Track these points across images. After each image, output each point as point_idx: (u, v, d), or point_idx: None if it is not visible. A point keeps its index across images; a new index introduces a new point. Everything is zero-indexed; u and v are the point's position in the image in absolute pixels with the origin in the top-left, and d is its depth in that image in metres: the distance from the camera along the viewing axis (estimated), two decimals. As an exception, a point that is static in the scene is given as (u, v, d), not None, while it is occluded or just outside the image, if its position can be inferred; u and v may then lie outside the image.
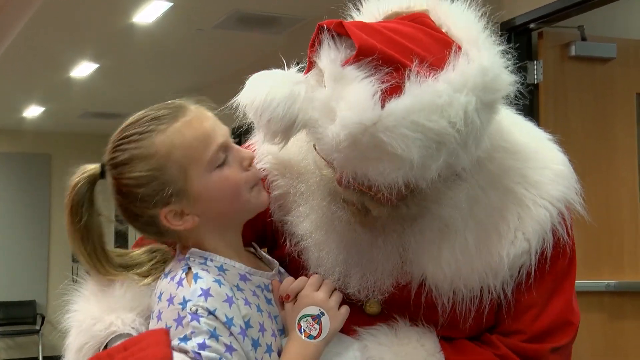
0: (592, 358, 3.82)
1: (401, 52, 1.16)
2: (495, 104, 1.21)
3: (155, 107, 1.32)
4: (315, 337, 1.28)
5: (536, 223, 1.35)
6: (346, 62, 1.17)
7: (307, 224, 1.41)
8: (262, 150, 1.48)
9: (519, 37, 3.79)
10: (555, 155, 1.43)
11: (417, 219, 1.33)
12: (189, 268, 1.27)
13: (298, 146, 1.42)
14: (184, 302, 1.21)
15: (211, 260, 1.29)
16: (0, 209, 9.86)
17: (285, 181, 1.45)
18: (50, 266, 9.88)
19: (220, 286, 1.23)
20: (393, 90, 1.13)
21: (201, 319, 1.19)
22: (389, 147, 1.12)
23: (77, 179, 1.33)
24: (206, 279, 1.23)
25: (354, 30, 1.18)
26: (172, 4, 4.91)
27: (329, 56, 1.19)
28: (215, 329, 1.18)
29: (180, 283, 1.24)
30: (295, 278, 1.42)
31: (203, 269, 1.26)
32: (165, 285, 1.28)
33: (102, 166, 1.33)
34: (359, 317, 1.40)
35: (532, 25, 3.75)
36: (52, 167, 9.99)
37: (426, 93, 1.13)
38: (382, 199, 1.26)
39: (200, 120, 1.29)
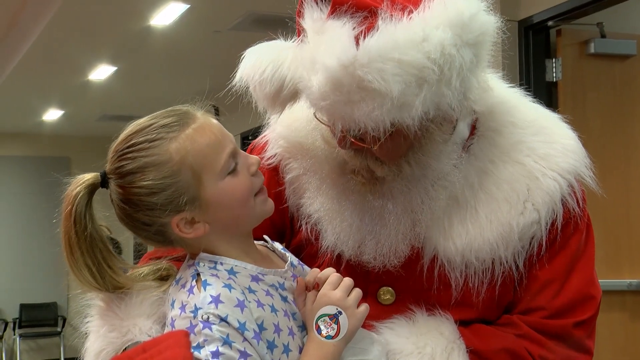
0: (614, 357, 3.79)
1: None
2: (479, 45, 1.22)
3: (159, 115, 1.29)
4: (333, 337, 1.26)
5: (545, 194, 1.36)
6: (327, 18, 1.21)
7: (320, 197, 1.43)
8: (274, 135, 1.51)
9: (537, 35, 3.76)
10: (565, 131, 1.45)
11: (421, 179, 1.35)
12: (198, 274, 1.25)
13: (308, 129, 1.45)
14: (195, 310, 1.20)
15: (221, 264, 1.27)
16: (21, 212, 9.95)
17: (298, 163, 1.48)
18: (70, 268, 9.93)
19: (230, 291, 1.21)
20: (369, 31, 1.17)
21: (213, 327, 1.17)
22: (367, 82, 1.15)
23: (77, 189, 1.28)
24: (215, 285, 1.22)
25: None
26: (189, 6, 4.93)
27: (312, 16, 1.24)
28: (228, 335, 1.17)
29: (191, 291, 1.23)
30: (312, 262, 1.43)
31: (212, 274, 1.25)
32: (176, 292, 1.27)
33: (104, 175, 1.29)
34: (372, 307, 1.39)
35: (550, 23, 3.72)
36: (71, 170, 10.03)
37: (400, 30, 1.17)
38: (383, 155, 1.30)
39: (209, 127, 1.27)
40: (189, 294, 1.23)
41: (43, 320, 10.06)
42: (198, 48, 5.93)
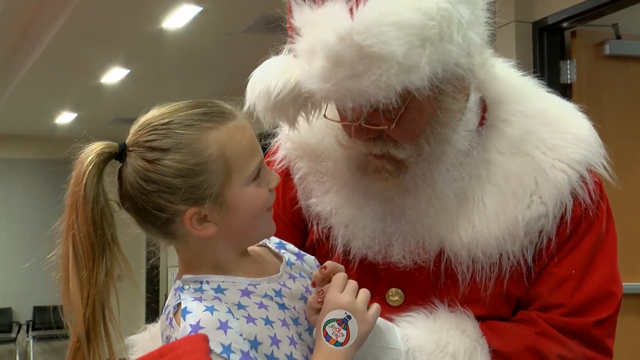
0: (630, 362, 3.76)
1: None
2: (473, 2, 1.22)
3: (197, 103, 1.22)
4: (342, 344, 1.17)
5: (553, 187, 1.34)
6: (316, 8, 1.21)
7: (333, 200, 1.42)
8: (282, 136, 1.51)
9: (551, 37, 3.73)
10: (579, 121, 1.42)
11: (441, 157, 1.33)
12: (179, 304, 1.19)
13: (314, 131, 1.45)
14: None
15: (207, 283, 1.20)
16: (34, 215, 9.98)
17: (304, 163, 1.47)
18: (83, 271, 9.97)
19: (212, 313, 1.14)
20: (360, 3, 1.16)
21: None
22: (368, 48, 1.13)
23: (86, 165, 1.17)
24: (195, 312, 1.15)
25: None
26: (201, 8, 4.93)
27: (301, 13, 1.24)
28: None
29: (170, 324, 1.18)
30: (324, 261, 1.38)
31: (195, 298, 1.18)
32: (163, 323, 1.22)
33: (124, 147, 1.19)
34: (381, 308, 1.37)
35: (565, 25, 3.69)
36: (84, 172, 10.08)
37: None
38: (401, 135, 1.28)
39: (248, 130, 1.22)
40: (170, 328, 1.18)
41: (56, 322, 10.05)
42: (211, 51, 5.93)
